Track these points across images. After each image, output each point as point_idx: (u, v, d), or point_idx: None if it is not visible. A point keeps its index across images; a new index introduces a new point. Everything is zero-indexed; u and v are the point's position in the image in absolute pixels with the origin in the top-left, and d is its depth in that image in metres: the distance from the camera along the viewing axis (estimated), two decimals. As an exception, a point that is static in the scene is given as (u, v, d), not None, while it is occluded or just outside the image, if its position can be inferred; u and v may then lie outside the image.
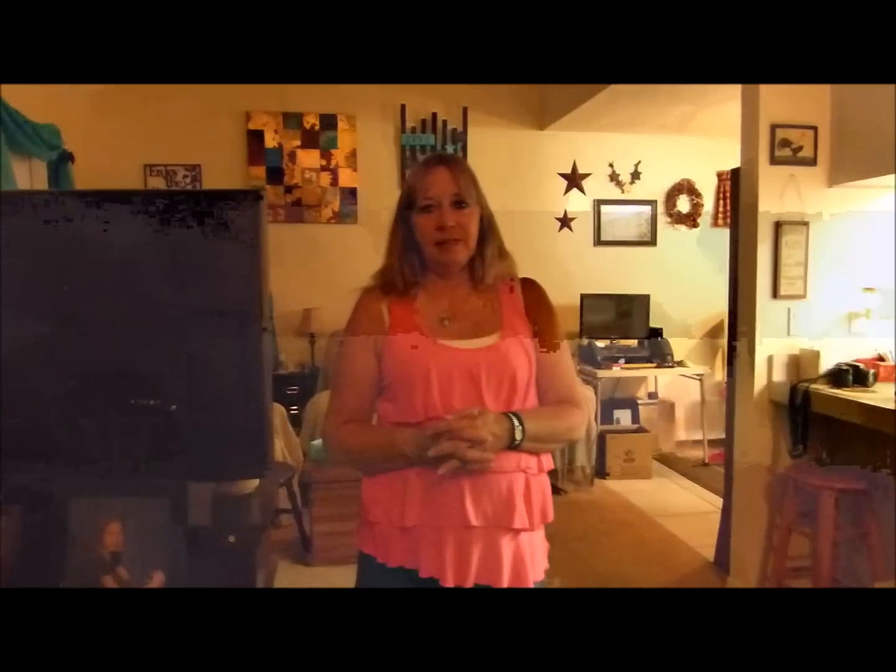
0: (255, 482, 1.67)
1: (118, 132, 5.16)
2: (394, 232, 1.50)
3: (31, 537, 1.50)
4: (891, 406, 2.62)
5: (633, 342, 5.65)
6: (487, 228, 1.49)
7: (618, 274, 5.86)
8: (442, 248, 1.43)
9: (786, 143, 3.00)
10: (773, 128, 3.01)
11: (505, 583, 1.40)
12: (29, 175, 4.02)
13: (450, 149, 5.53)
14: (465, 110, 5.64)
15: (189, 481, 1.54)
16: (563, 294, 5.07)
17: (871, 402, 2.70)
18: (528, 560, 1.43)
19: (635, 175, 5.94)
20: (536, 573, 1.46)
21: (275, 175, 5.45)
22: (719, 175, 5.93)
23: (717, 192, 6.03)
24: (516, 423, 1.35)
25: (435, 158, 1.49)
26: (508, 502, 1.39)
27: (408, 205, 1.46)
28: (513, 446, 1.36)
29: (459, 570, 1.38)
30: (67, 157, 4.27)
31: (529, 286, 1.54)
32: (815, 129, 3.04)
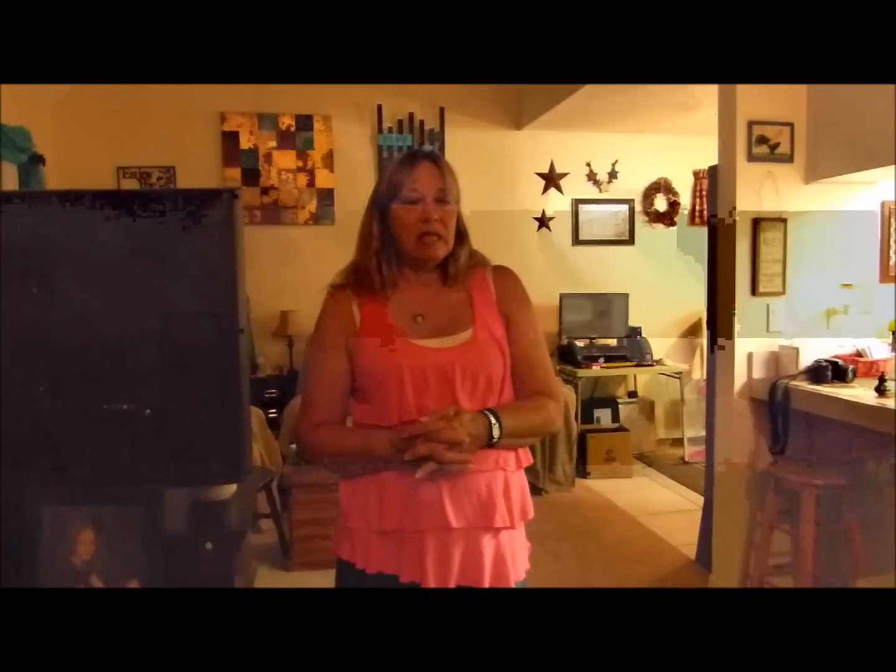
0: (233, 487, 1.63)
1: (90, 134, 5.08)
2: (368, 227, 1.46)
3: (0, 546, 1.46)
4: (870, 402, 2.63)
5: (613, 341, 5.66)
6: (462, 228, 1.48)
7: (596, 273, 5.87)
8: (422, 241, 1.40)
9: (763, 139, 3.01)
10: (750, 125, 3.01)
11: (486, 584, 1.38)
12: (-1, 178, 3.94)
13: (427, 149, 5.51)
14: (441, 110, 5.62)
15: (165, 487, 1.50)
16: (542, 294, 5.06)
17: (851, 398, 2.71)
18: (508, 560, 1.41)
19: (612, 174, 5.95)
20: (517, 573, 1.44)
21: (250, 176, 5.39)
22: (696, 173, 5.97)
23: (694, 191, 6.06)
24: (493, 420, 1.33)
25: (420, 153, 1.47)
26: (488, 502, 1.37)
27: (389, 198, 1.42)
28: (491, 444, 1.34)
29: (441, 574, 1.35)
30: (38, 160, 4.19)
31: (501, 276, 1.51)
32: (791, 125, 3.05)
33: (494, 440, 1.33)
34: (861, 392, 2.77)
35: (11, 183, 4.04)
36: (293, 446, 3.81)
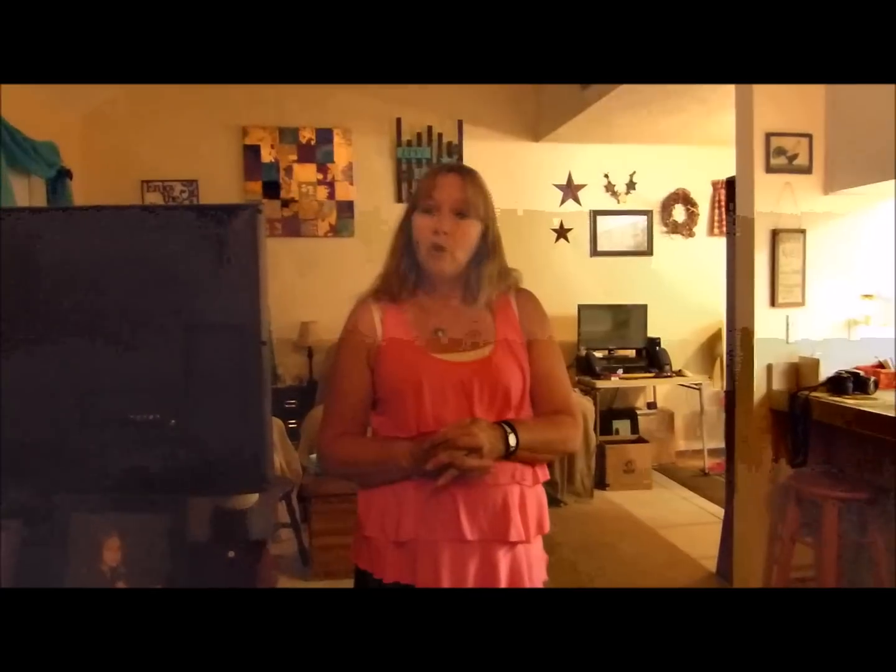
0: (255, 497, 1.65)
1: (115, 149, 5.18)
2: (398, 234, 1.49)
3: (29, 553, 1.49)
4: (892, 413, 2.61)
5: (631, 352, 5.65)
6: (491, 247, 1.46)
7: (615, 284, 5.87)
8: (430, 253, 1.42)
9: (781, 151, 3.01)
10: (768, 136, 3.01)
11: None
12: (28, 192, 4.04)
13: (445, 161, 5.55)
14: (459, 123, 5.66)
15: (188, 496, 1.53)
16: (561, 305, 5.07)
17: (873, 410, 2.68)
18: (524, 572, 1.41)
19: (630, 185, 5.96)
20: (534, 585, 1.44)
21: (271, 189, 5.46)
22: (714, 184, 5.96)
23: (713, 201, 6.05)
24: (508, 430, 1.34)
25: (447, 166, 1.49)
26: (504, 515, 1.38)
27: (412, 207, 1.45)
28: (508, 454, 1.35)
29: (455, 585, 1.36)
30: (65, 174, 4.28)
31: (524, 297, 1.52)
32: (809, 136, 3.05)
33: (511, 449, 1.34)
34: (883, 403, 2.74)
35: (40, 197, 4.13)
36: (313, 456, 3.83)
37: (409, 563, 1.39)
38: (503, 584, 1.38)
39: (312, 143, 5.50)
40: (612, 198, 5.96)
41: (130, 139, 5.21)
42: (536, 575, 1.45)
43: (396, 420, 1.41)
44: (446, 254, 1.41)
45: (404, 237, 1.47)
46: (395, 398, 1.41)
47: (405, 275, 1.46)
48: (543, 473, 1.47)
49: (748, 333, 3.13)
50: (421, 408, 1.37)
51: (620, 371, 5.38)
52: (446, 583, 1.36)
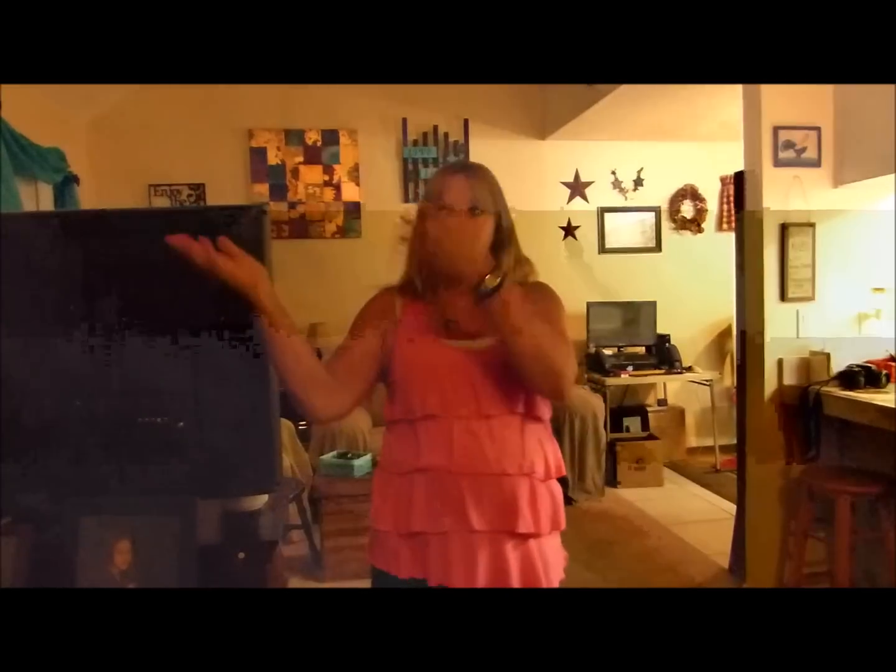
0: (265, 498, 1.65)
1: (122, 154, 5.20)
2: (412, 239, 1.51)
3: (39, 557, 1.49)
4: (904, 406, 2.59)
5: (641, 349, 5.63)
6: (505, 237, 1.48)
7: (623, 281, 5.85)
8: (449, 254, 1.39)
9: (789, 144, 2.99)
10: (776, 129, 3.00)
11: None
12: (35, 198, 4.05)
13: (462, 161, 5.54)
14: (466, 122, 5.65)
15: (198, 498, 1.53)
16: (569, 302, 5.01)
17: (885, 404, 2.67)
18: (539, 568, 1.41)
19: (638, 182, 5.93)
20: (550, 582, 1.43)
21: (278, 191, 5.46)
22: (723, 179, 5.92)
23: (721, 197, 6.02)
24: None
25: (456, 165, 1.52)
26: (512, 506, 1.39)
27: (425, 211, 1.44)
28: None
29: (466, 577, 1.36)
30: (72, 180, 4.30)
31: (534, 287, 1.53)
32: (818, 129, 3.03)
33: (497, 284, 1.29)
34: (895, 397, 2.73)
35: (47, 202, 4.15)
36: (323, 457, 3.84)
37: (420, 556, 1.40)
38: (515, 578, 1.38)
39: (318, 144, 5.50)
40: (619, 194, 5.94)
41: (137, 144, 5.23)
42: (554, 573, 1.45)
43: (403, 403, 1.44)
44: (464, 251, 1.40)
45: (419, 241, 1.47)
46: (403, 381, 1.44)
47: (426, 279, 1.48)
48: (557, 469, 1.47)
49: (759, 328, 3.11)
50: (427, 391, 1.40)
51: (630, 368, 5.36)
52: (457, 575, 1.36)
